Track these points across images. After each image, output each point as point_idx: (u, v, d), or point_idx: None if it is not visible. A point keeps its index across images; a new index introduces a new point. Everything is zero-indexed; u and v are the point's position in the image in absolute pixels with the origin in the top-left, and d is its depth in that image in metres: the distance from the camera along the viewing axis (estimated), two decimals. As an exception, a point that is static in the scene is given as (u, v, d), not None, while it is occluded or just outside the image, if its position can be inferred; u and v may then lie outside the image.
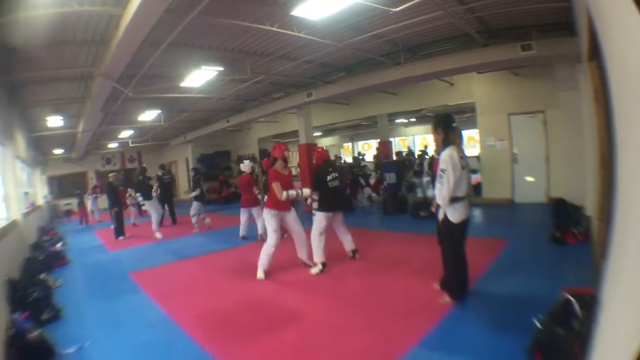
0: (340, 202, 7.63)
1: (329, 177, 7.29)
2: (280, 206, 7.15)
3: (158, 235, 12.40)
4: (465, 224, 5.16)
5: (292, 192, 6.99)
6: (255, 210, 10.69)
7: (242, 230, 11.08)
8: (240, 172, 11.38)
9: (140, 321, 5.71)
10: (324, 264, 7.20)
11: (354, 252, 7.80)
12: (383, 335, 4.51)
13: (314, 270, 7.15)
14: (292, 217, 7.36)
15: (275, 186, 6.92)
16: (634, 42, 1.69)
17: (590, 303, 3.12)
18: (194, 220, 13.45)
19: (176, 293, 6.94)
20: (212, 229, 13.50)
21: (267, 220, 7.25)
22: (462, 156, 5.01)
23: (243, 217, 11.02)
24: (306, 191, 7.35)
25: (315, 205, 7.32)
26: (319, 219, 7.25)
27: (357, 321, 4.98)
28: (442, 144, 5.11)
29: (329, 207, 7.30)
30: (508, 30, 9.08)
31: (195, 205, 13.38)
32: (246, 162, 11.23)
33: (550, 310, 3.66)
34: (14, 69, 8.48)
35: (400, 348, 4.14)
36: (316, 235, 7.22)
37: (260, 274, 7.13)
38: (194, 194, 13.38)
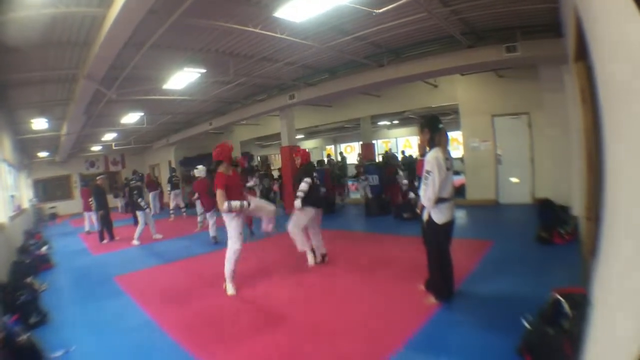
0: (323, 201, 7.59)
1: (315, 174, 7.29)
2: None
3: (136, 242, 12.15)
4: (450, 225, 5.15)
5: (236, 203, 6.26)
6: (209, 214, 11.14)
7: (212, 232, 11.18)
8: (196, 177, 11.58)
9: (125, 325, 5.64)
10: (313, 250, 7.45)
11: (324, 256, 7.74)
12: (369, 338, 4.48)
13: (310, 260, 7.40)
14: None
15: (219, 194, 6.24)
16: (624, 41, 1.68)
17: (580, 302, 3.11)
18: (199, 219, 13.75)
19: (160, 296, 6.84)
20: (197, 232, 13.48)
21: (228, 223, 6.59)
22: (448, 157, 5.01)
23: (211, 219, 11.22)
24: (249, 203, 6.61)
25: (298, 202, 7.18)
26: (303, 214, 7.23)
27: (342, 323, 4.95)
28: (427, 145, 5.10)
29: (315, 203, 7.33)
30: (493, 32, 9.11)
31: (198, 203, 13.75)
32: (200, 167, 11.57)
33: (539, 310, 3.65)
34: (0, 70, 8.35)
35: (386, 350, 4.12)
36: (298, 231, 7.30)
37: (230, 289, 6.57)
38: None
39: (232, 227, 6.49)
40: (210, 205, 10.85)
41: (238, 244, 6.50)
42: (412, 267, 6.67)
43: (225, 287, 6.60)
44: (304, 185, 7.14)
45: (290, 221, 7.36)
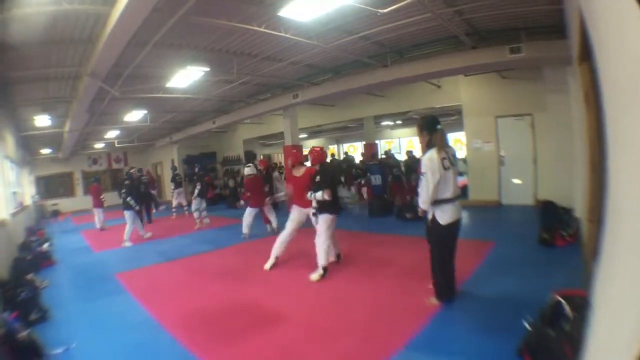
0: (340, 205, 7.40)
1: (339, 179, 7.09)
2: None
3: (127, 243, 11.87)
4: (455, 225, 5.11)
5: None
6: (265, 209, 11.22)
7: (246, 228, 11.11)
8: (246, 175, 11.46)
9: (125, 322, 5.66)
10: (325, 269, 6.83)
11: (339, 255, 7.68)
12: (369, 337, 4.49)
13: (315, 276, 6.75)
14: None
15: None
16: (628, 43, 1.68)
17: (581, 304, 3.11)
18: (195, 215, 14.05)
19: (161, 294, 6.88)
20: (200, 230, 13.55)
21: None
22: (446, 157, 4.95)
23: (250, 216, 11.11)
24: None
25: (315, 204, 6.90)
26: (328, 223, 6.87)
27: (343, 323, 4.95)
28: (425, 147, 5.08)
29: (338, 210, 7.10)
30: (497, 33, 9.07)
31: (195, 201, 14.10)
32: (250, 165, 11.52)
33: (540, 311, 3.65)
34: (3, 67, 8.34)
35: (387, 350, 4.12)
36: (324, 240, 6.82)
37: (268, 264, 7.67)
38: (196, 191, 14.15)
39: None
40: (258, 203, 11.01)
41: (286, 232, 7.72)
42: (413, 267, 6.69)
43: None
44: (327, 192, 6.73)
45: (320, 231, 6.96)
